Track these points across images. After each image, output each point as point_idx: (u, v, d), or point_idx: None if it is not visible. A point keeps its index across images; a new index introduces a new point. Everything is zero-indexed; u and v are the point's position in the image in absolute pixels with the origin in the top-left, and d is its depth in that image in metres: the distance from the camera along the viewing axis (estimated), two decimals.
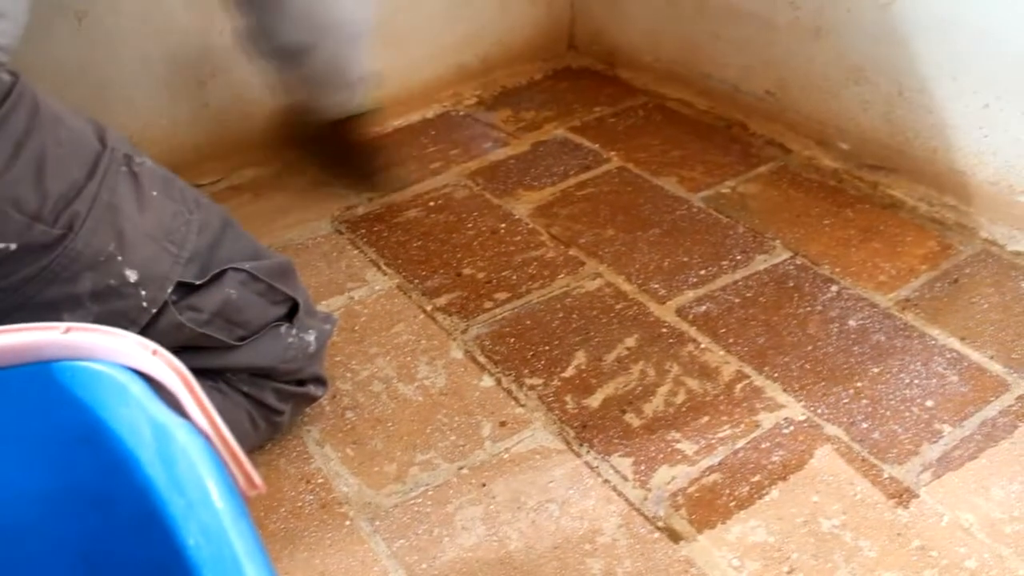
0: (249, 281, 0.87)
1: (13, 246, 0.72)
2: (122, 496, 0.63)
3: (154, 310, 0.80)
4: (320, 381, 0.99)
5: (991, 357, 1.06)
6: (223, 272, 0.85)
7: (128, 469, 0.61)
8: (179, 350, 0.58)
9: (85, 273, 0.77)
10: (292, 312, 0.92)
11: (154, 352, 0.57)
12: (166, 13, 1.34)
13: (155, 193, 0.81)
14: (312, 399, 0.99)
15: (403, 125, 1.62)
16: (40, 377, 0.60)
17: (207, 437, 0.50)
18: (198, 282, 0.82)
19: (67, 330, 0.59)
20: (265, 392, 0.92)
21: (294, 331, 0.92)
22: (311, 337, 0.94)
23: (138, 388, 0.57)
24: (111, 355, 0.58)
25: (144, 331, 0.80)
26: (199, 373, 0.55)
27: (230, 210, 1.35)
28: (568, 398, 1.03)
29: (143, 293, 0.79)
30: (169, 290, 0.80)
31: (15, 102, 0.71)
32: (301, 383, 0.96)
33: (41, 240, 0.74)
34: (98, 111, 1.31)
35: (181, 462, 0.50)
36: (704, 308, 1.15)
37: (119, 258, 0.78)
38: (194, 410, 0.52)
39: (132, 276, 0.79)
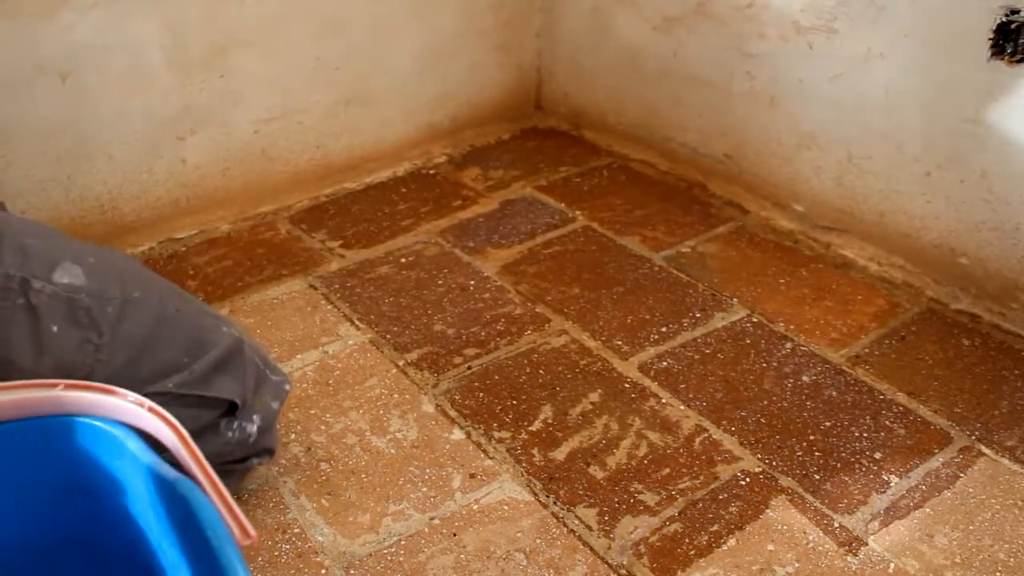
0: (173, 401, 0.83)
1: None
2: (111, 542, 0.66)
3: None
4: (267, 452, 0.97)
5: (935, 411, 1.11)
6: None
7: (119, 518, 0.64)
8: None
9: None
10: (235, 404, 0.90)
11: (149, 408, 0.60)
12: (148, 73, 1.38)
13: (55, 328, 0.77)
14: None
15: (375, 182, 1.67)
16: (37, 431, 0.63)
17: (203, 489, 0.53)
18: None
19: (65, 387, 0.62)
20: None
21: (235, 423, 0.90)
22: (253, 427, 0.92)
23: (133, 443, 0.60)
24: (107, 411, 0.62)
25: None
26: None
27: (205, 265, 1.41)
28: (535, 451, 1.07)
29: None
30: None
31: None
32: (243, 459, 0.95)
33: None
34: (79, 165, 1.37)
35: (177, 512, 0.53)
36: (665, 364, 1.20)
37: None
38: (190, 463, 0.55)
39: None
